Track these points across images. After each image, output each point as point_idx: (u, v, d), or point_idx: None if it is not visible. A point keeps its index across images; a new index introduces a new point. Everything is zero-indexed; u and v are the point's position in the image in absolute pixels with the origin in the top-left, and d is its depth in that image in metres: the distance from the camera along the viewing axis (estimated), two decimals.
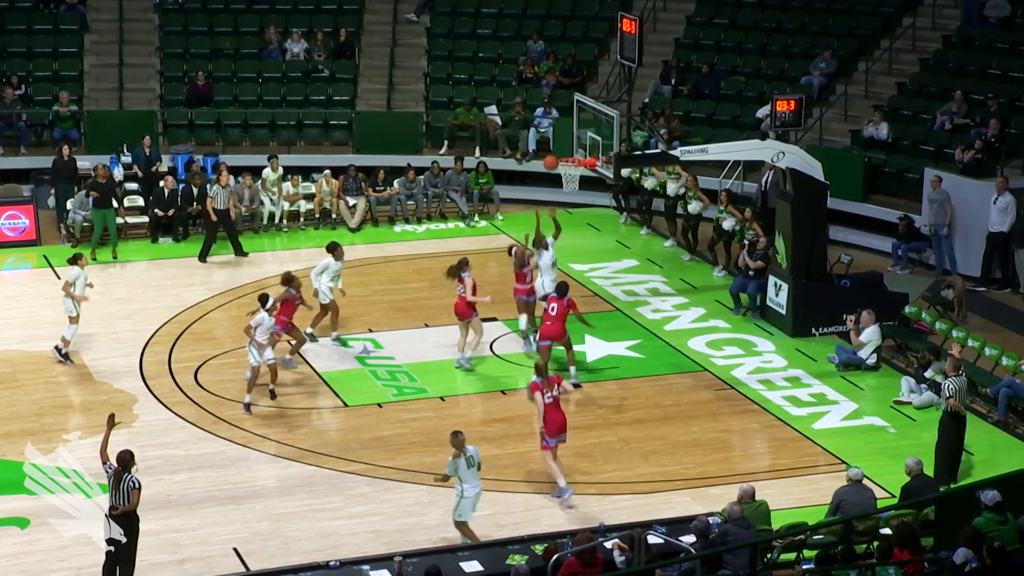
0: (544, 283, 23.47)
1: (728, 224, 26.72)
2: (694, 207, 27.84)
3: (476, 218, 30.52)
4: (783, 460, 20.35)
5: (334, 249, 23.77)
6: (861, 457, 19.72)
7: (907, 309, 24.26)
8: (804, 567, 15.79)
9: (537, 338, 22.59)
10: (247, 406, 21.39)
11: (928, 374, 21.97)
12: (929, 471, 18.42)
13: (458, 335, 23.14)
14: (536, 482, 19.47)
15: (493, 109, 33.03)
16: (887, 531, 16.28)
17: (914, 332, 23.90)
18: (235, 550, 17.73)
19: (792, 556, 16.36)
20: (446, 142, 32.38)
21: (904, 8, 33.00)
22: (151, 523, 17.73)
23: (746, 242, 25.86)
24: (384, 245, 29.09)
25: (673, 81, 32.80)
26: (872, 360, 23.09)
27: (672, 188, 28.26)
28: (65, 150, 29.68)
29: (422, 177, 30.61)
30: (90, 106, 32.79)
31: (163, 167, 30.20)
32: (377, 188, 30.24)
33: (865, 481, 17.66)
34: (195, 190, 28.95)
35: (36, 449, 20.01)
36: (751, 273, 25.26)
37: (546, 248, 23.75)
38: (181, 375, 22.74)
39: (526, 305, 23.69)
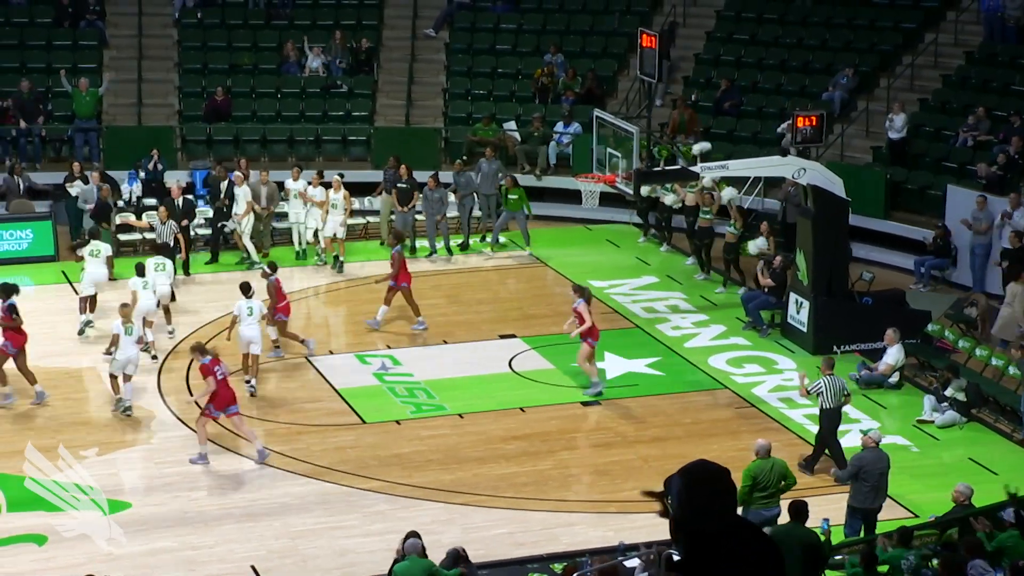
0: None
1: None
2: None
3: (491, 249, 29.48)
4: (804, 479, 20.14)
5: None
6: None
7: (930, 327, 24.09)
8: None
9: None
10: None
11: (948, 392, 21.79)
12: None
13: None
14: (555, 500, 19.35)
15: (512, 125, 32.95)
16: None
17: (936, 350, 23.72)
18: (252, 568, 17.64)
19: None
20: (465, 158, 32.28)
21: (926, 24, 32.82)
22: (168, 540, 17.65)
23: (759, 257, 25.80)
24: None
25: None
26: (894, 378, 22.92)
27: (671, 199, 28.23)
28: (76, 166, 29.60)
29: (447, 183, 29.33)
30: (108, 122, 32.80)
31: (178, 181, 29.47)
32: (400, 185, 28.69)
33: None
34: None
35: (53, 466, 19.90)
36: (765, 290, 25.20)
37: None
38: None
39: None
